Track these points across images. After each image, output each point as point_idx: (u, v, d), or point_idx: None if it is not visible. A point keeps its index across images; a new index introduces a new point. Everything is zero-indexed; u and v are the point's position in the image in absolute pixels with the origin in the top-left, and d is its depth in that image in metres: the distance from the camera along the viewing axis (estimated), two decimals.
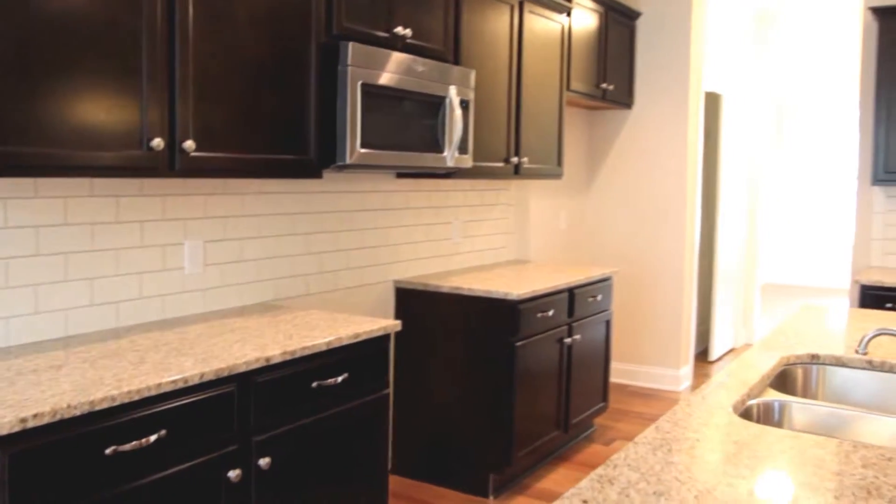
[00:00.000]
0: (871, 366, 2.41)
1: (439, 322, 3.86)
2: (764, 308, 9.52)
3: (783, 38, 6.93)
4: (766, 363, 2.31)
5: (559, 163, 4.73)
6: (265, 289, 3.28)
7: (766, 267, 11.70)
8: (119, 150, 2.26)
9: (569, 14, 4.69)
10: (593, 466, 4.25)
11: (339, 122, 2.97)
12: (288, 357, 2.45)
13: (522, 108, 4.27)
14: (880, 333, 2.12)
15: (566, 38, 4.68)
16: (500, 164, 4.12)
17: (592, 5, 4.98)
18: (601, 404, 4.69)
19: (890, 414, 1.97)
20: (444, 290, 3.85)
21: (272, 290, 3.31)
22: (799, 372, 2.47)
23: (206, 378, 2.18)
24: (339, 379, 2.66)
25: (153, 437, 2.05)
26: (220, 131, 2.58)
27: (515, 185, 4.99)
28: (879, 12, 4.57)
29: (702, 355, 6.79)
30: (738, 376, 2.17)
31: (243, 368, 2.30)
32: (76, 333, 2.59)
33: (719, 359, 6.79)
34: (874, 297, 4.41)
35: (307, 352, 2.51)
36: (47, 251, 2.49)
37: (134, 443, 2.00)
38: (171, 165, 2.43)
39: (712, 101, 6.69)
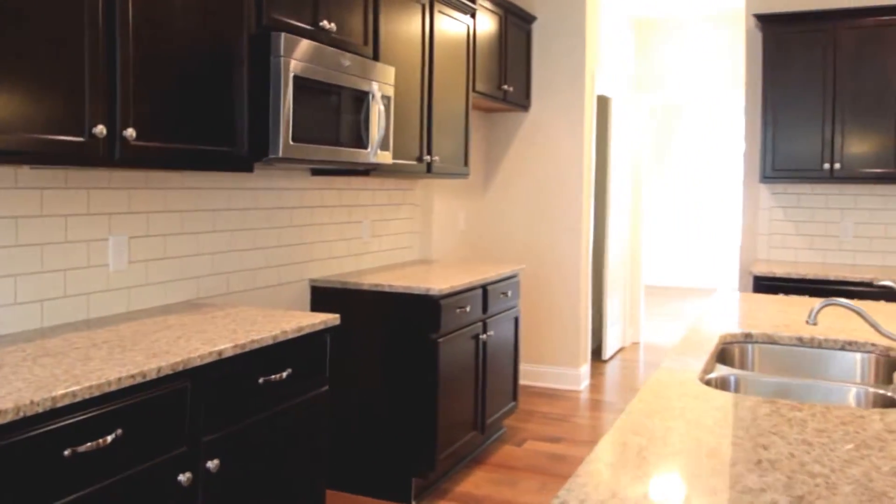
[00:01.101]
0: (800, 342, 2.65)
1: (357, 321, 3.88)
2: (648, 309, 9.98)
3: (666, 44, 7.33)
4: (709, 342, 2.48)
5: (466, 162, 4.84)
6: (188, 287, 3.22)
7: (649, 269, 12.24)
8: (59, 135, 2.19)
9: (473, 16, 4.82)
10: (510, 468, 4.37)
11: (272, 115, 2.96)
12: (239, 351, 2.43)
13: (434, 106, 4.36)
14: (828, 304, 2.33)
15: (471, 40, 4.80)
16: (414, 163, 4.19)
17: (493, 8, 5.14)
18: (512, 404, 4.82)
19: (832, 381, 2.17)
20: (364, 287, 3.87)
21: (195, 289, 3.25)
22: (736, 350, 2.67)
23: (163, 373, 2.14)
24: (284, 374, 2.65)
25: (110, 438, 1.99)
26: (160, 121, 2.53)
27: (421, 186, 5.07)
28: (764, 19, 4.93)
29: (595, 354, 7.06)
30: (688, 354, 2.32)
31: (198, 362, 2.26)
32: (2, 334, 2.47)
33: (611, 357, 7.08)
34: (767, 287, 4.75)
35: (256, 345, 2.50)
36: None
37: (91, 443, 1.94)
38: (111, 155, 2.36)
39: (602, 105, 7.00)
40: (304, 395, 2.79)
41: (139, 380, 2.06)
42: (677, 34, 7.32)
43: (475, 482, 4.15)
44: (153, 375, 2.11)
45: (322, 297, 3.97)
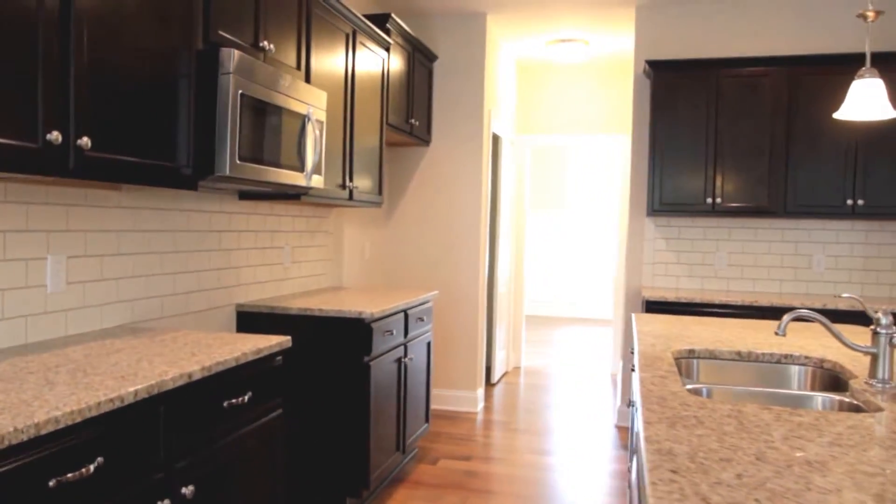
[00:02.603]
0: (739, 356, 2.67)
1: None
2: (528, 337, 10.03)
3: (547, 87, 7.47)
4: (663, 359, 2.46)
5: (380, 191, 4.71)
6: (123, 310, 2.91)
7: (529, 299, 12.32)
8: (11, 139, 1.91)
9: (388, 50, 4.72)
10: (431, 486, 4.21)
11: (219, 132, 2.74)
12: (206, 373, 2.19)
13: (355, 134, 4.21)
14: (796, 318, 2.34)
15: (386, 73, 4.70)
16: (339, 189, 4.02)
17: (403, 44, 5.06)
18: (425, 426, 4.68)
19: (792, 390, 2.18)
20: (292, 311, 3.65)
21: (129, 312, 2.95)
22: (683, 364, 2.65)
23: (139, 396, 1.89)
24: (246, 398, 2.41)
25: (92, 466, 1.72)
26: (113, 132, 2.28)
27: (334, 214, 4.88)
28: (654, 65, 5.09)
29: (485, 378, 7.00)
30: (654, 369, 2.28)
31: (170, 385, 2.02)
32: None
33: (499, 381, 7.05)
34: (658, 310, 4.84)
35: (221, 367, 2.27)
36: None
37: (75, 473, 1.67)
38: (65, 164, 2.09)
39: (493, 143, 7.03)
40: (264, 417, 2.56)
41: (118, 404, 1.81)
42: (556, 78, 7.49)
43: (402, 500, 3.97)
44: (130, 399, 1.86)
45: (249, 321, 3.71)
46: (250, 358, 2.44)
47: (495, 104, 6.40)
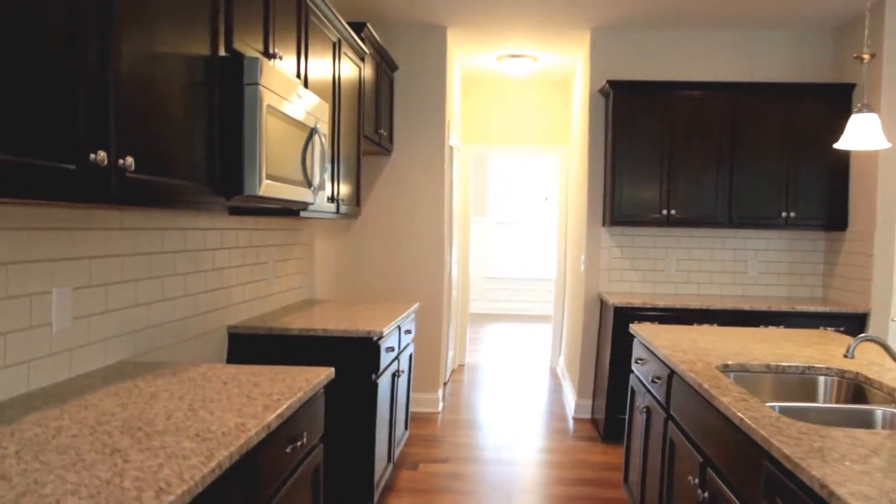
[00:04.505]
0: (768, 369, 2.57)
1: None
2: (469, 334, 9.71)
3: (488, 99, 7.17)
4: (718, 377, 2.25)
5: (358, 202, 4.27)
6: (126, 344, 2.40)
7: (476, 299, 11.99)
8: (48, 160, 1.42)
9: (363, 59, 4.28)
10: (421, 492, 3.84)
11: (247, 148, 2.28)
12: (281, 420, 1.75)
13: (340, 145, 3.76)
14: (865, 340, 2.14)
15: (362, 83, 4.26)
16: (329, 203, 3.57)
17: (374, 53, 4.62)
18: (406, 432, 4.28)
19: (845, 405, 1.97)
20: (293, 332, 3.19)
21: (132, 346, 2.44)
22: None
23: (234, 459, 1.44)
24: (304, 439, 1.97)
25: None
26: (155, 151, 1.80)
27: (307, 225, 4.40)
28: (615, 85, 4.85)
29: None
30: (723, 389, 2.01)
31: (255, 441, 1.57)
32: None
33: (448, 379, 6.70)
34: (625, 316, 4.60)
35: (290, 411, 1.82)
36: None
37: None
38: (106, 188, 1.61)
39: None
40: (311, 455, 2.12)
41: (217, 473, 1.36)
42: (498, 91, 7.19)
43: None
44: (227, 465, 1.41)
45: (243, 344, 3.22)
46: (309, 395, 2.00)
47: (453, 115, 6.03)
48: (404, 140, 5.43)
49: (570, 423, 5.25)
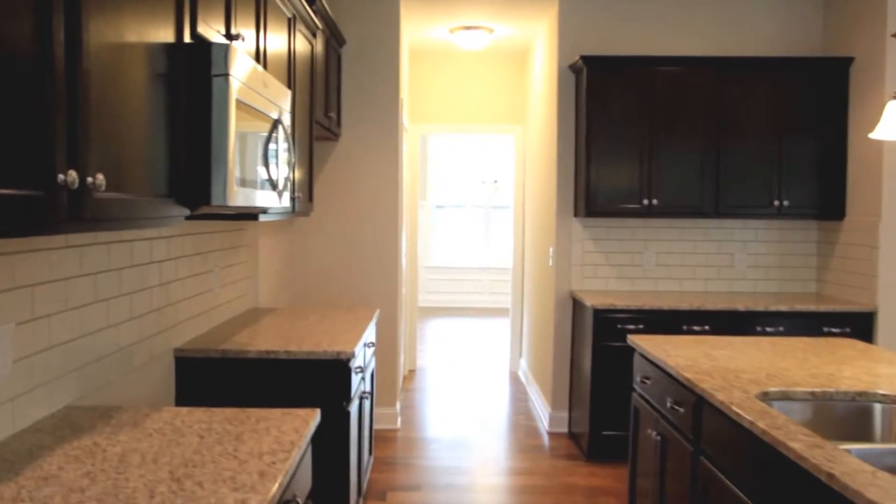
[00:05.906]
0: (813, 396, 2.49)
1: (245, 396, 3.01)
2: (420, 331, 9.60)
3: (438, 76, 7.05)
4: (769, 412, 2.18)
5: (311, 198, 4.10)
6: (71, 384, 2.21)
7: (425, 294, 11.85)
8: (15, 187, 1.26)
9: (315, 35, 4.10)
10: None
11: (215, 151, 2.11)
12: (281, 491, 1.61)
13: (296, 135, 3.59)
14: None
15: (314, 62, 4.08)
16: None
17: (324, 28, 4.43)
18: (371, 458, 4.17)
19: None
20: (251, 355, 3.02)
21: (77, 385, 2.25)
22: None
23: None
24: (300, 499, 1.84)
25: None
26: (123, 165, 1.63)
27: (251, 225, 4.21)
28: (589, 61, 4.80)
29: None
30: (782, 429, 1.97)
31: None
32: None
33: (400, 389, 6.59)
34: (605, 319, 4.58)
35: (287, 479, 1.69)
36: None
37: None
38: (77, 210, 1.44)
39: None
40: None
41: None
42: (450, 66, 7.07)
43: None
44: None
45: (191, 370, 3.04)
46: (303, 451, 1.87)
47: (405, 93, 5.89)
48: (353, 122, 5.27)
49: (546, 438, 5.21)
